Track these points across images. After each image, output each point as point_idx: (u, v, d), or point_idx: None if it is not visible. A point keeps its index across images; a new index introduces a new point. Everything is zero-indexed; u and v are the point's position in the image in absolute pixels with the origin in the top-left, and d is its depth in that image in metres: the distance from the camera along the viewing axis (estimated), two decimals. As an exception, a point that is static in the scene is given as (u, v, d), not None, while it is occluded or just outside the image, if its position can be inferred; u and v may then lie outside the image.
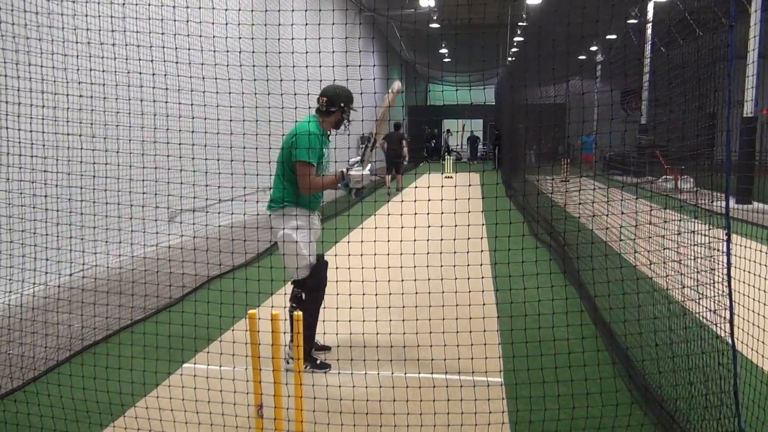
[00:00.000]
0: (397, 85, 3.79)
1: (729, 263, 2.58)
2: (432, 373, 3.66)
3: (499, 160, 25.10)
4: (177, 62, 3.71)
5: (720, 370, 2.64)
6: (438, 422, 3.02)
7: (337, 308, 3.33)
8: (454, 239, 3.15)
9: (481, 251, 3.54)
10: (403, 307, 3.30)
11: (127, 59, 4.20)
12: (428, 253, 3.23)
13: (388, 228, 3.31)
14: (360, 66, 3.29)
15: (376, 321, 3.20)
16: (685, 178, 8.66)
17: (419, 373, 3.63)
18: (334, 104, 3.81)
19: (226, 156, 3.69)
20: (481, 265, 3.64)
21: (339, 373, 3.67)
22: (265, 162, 3.56)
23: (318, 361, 3.90)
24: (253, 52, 3.93)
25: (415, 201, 3.35)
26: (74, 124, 4.23)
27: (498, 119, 24.98)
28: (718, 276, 2.74)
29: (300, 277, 3.78)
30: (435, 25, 20.93)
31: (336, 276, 3.67)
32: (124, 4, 4.59)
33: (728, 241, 2.58)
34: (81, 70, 4.31)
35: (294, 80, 3.74)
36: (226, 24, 3.89)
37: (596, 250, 4.87)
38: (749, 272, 3.44)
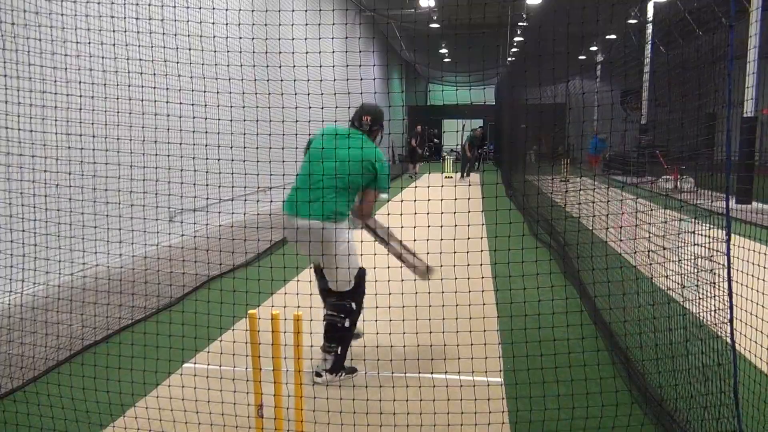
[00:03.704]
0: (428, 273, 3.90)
1: (729, 263, 2.58)
2: (432, 373, 3.66)
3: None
4: (177, 62, 3.72)
5: (719, 370, 2.64)
6: (438, 422, 3.02)
7: (337, 308, 3.33)
8: (454, 239, 3.15)
9: (481, 251, 3.54)
10: (403, 307, 3.30)
11: (127, 59, 4.20)
12: (428, 253, 3.23)
13: (388, 228, 3.31)
14: (360, 66, 3.29)
15: (376, 321, 3.20)
16: (685, 178, 8.66)
17: (419, 373, 3.63)
18: (377, 122, 3.80)
19: (227, 156, 3.69)
20: (481, 265, 3.63)
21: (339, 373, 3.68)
22: (265, 162, 3.55)
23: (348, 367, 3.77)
24: (253, 52, 3.93)
25: (415, 201, 3.35)
26: (74, 124, 4.23)
27: (498, 119, 24.98)
28: (718, 276, 2.74)
29: (348, 288, 3.68)
30: (435, 25, 20.94)
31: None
32: (124, 4, 4.59)
33: (728, 241, 2.58)
34: (81, 70, 4.31)
35: (294, 80, 3.74)
36: (227, 24, 3.89)
37: (596, 250, 4.87)
38: (747, 274, 3.44)
